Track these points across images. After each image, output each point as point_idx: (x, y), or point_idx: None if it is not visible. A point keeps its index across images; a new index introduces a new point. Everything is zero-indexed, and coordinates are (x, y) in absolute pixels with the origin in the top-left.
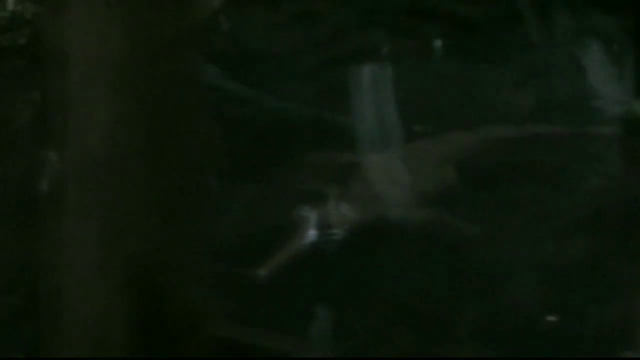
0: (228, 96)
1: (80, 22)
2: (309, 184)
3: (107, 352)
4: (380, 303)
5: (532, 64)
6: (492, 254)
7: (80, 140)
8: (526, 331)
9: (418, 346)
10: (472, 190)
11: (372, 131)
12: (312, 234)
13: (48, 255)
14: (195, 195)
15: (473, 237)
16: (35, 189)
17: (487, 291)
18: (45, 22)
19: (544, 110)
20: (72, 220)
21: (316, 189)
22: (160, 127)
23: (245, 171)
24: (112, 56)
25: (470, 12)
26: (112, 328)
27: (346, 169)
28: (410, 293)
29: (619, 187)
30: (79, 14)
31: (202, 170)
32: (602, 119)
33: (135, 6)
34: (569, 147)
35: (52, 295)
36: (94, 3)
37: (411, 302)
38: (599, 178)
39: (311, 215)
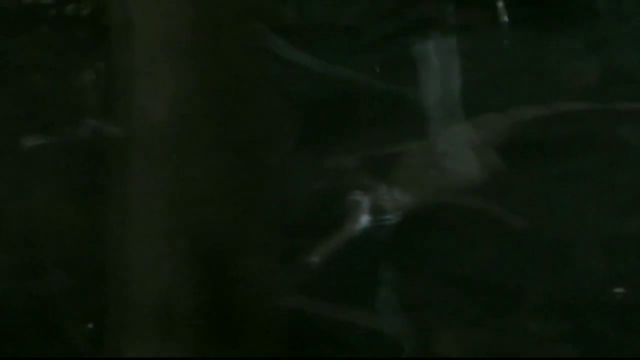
0: (294, 68)
1: None
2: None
3: (175, 323)
4: (445, 278)
5: (598, 33)
6: (556, 227)
7: (147, 113)
8: (592, 303)
9: (484, 318)
10: (531, 166)
11: (438, 102)
12: (364, 219)
13: (115, 228)
14: (261, 167)
15: (520, 228)
16: (101, 161)
17: (553, 264)
18: None
19: (610, 80)
20: (139, 193)
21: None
22: (226, 99)
23: (310, 143)
24: (177, 29)
25: None
26: (179, 299)
27: (395, 156)
28: (475, 268)
29: None
30: None
31: (267, 142)
32: None
33: None
34: (629, 120)
35: (120, 268)
36: None
37: (477, 276)
38: None
39: (363, 200)
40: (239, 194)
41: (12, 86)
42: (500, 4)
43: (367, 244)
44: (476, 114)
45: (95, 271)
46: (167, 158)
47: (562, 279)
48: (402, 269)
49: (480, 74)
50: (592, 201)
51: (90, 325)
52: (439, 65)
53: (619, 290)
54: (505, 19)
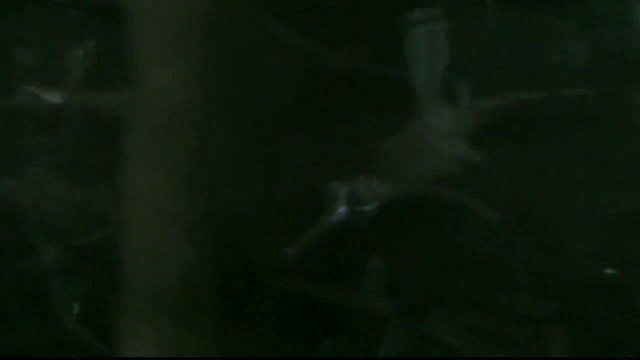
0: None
1: None
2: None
3: (194, 307)
4: (431, 261)
5: (591, 13)
6: (546, 208)
7: (151, 94)
8: (584, 283)
9: (475, 297)
10: (518, 149)
11: (427, 85)
12: (342, 210)
13: (129, 210)
14: (274, 149)
15: (495, 223)
16: (110, 143)
17: (543, 245)
18: None
19: (601, 62)
20: (155, 177)
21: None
22: (233, 81)
23: (303, 126)
24: (183, 10)
25: None
26: (199, 283)
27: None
28: (462, 250)
29: None
30: None
31: (274, 125)
32: None
33: None
34: (624, 100)
35: (133, 253)
36: None
37: (464, 258)
38: None
39: (340, 191)
40: (255, 176)
41: None
42: None
43: (347, 234)
44: (463, 98)
45: (91, 251)
46: (184, 140)
47: (554, 259)
48: (385, 255)
49: (468, 57)
50: (582, 182)
51: (82, 307)
52: (426, 48)
53: (611, 270)
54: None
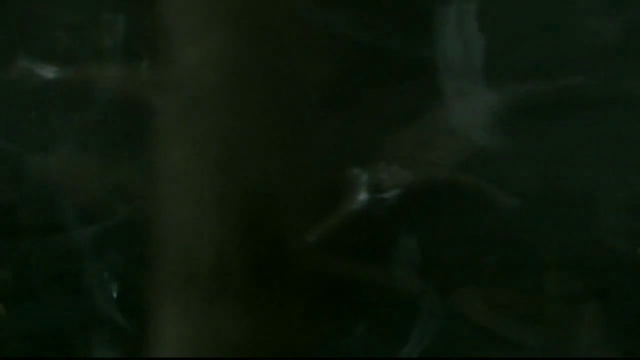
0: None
1: None
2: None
3: (224, 284)
4: (457, 240)
5: None
6: (575, 186)
7: (182, 71)
8: (613, 261)
9: (505, 275)
10: (545, 130)
11: (456, 65)
12: (362, 197)
13: (160, 187)
14: (298, 126)
15: (511, 207)
16: (141, 120)
17: (572, 223)
18: None
19: (632, 39)
20: (181, 153)
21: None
22: (263, 59)
23: (331, 106)
24: None
25: None
26: (230, 258)
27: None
28: (490, 228)
29: None
30: None
31: (303, 103)
32: None
33: None
34: None
35: (163, 228)
36: None
37: (492, 236)
38: None
39: (361, 177)
40: (287, 151)
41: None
42: None
43: (370, 218)
44: (494, 77)
45: (119, 228)
46: (215, 117)
47: (584, 237)
48: (413, 232)
49: (498, 35)
50: (613, 159)
51: (113, 285)
52: (455, 27)
53: None
54: None
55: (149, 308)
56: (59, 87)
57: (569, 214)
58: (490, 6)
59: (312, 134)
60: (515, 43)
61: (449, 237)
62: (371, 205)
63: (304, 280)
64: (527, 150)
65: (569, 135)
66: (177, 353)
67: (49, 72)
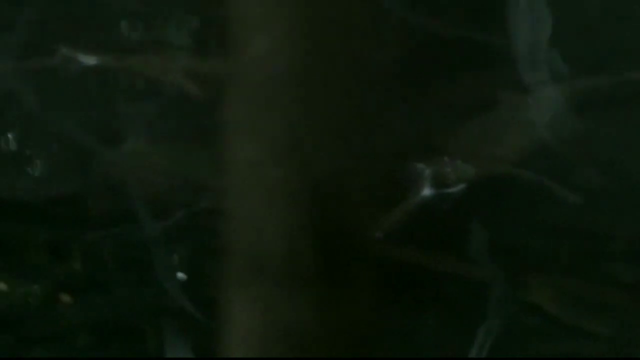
0: (386, 16)
1: None
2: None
3: (294, 273)
4: (529, 229)
5: None
6: None
7: (250, 62)
8: None
9: (575, 264)
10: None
11: (526, 53)
12: (427, 191)
13: (228, 177)
14: (367, 115)
15: (575, 204)
16: (211, 111)
17: None
18: None
19: None
20: (251, 143)
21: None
22: (331, 48)
23: (400, 94)
24: None
25: None
26: (297, 249)
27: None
28: (564, 215)
29: None
30: None
31: (372, 92)
32: None
33: None
34: None
35: (235, 220)
36: None
37: (563, 226)
38: None
39: (425, 172)
40: (354, 139)
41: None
42: None
43: (437, 209)
44: (563, 70)
45: (188, 220)
46: (283, 106)
47: None
48: (485, 222)
49: (571, 23)
50: None
51: (183, 275)
52: (528, 13)
53: None
54: None
55: (219, 298)
56: (129, 78)
57: (636, 204)
58: None
59: (381, 124)
60: (584, 34)
61: (518, 228)
62: (436, 199)
63: (373, 270)
64: (592, 142)
65: (632, 127)
66: (246, 342)
67: (116, 62)
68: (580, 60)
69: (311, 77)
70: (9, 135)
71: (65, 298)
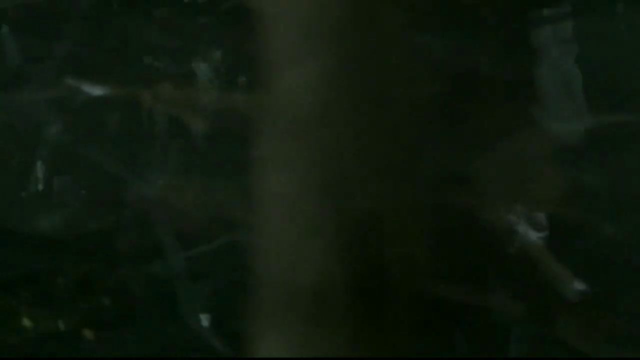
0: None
1: None
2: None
3: (326, 309)
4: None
5: None
6: None
7: (282, 96)
8: None
9: (604, 299)
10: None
11: (556, 87)
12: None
13: (260, 212)
14: (399, 149)
15: (612, 236)
16: (243, 145)
17: None
18: None
19: None
20: (289, 176)
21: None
22: (362, 81)
23: (432, 126)
24: (312, 10)
25: None
26: (333, 283)
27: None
28: (589, 249)
29: None
30: None
31: (405, 124)
32: None
33: None
34: None
35: (266, 253)
36: None
37: (592, 256)
38: None
39: (519, 225)
40: (389, 175)
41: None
42: None
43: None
44: (588, 104)
45: (218, 254)
46: (317, 140)
47: None
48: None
49: (597, 60)
50: None
51: (213, 311)
52: (557, 50)
53: None
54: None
55: (249, 334)
56: (162, 112)
57: None
58: (593, 27)
59: (414, 157)
60: (610, 68)
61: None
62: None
63: (405, 303)
64: (620, 178)
65: None
66: None
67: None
68: (606, 95)
69: (344, 110)
70: (40, 169)
71: (89, 333)
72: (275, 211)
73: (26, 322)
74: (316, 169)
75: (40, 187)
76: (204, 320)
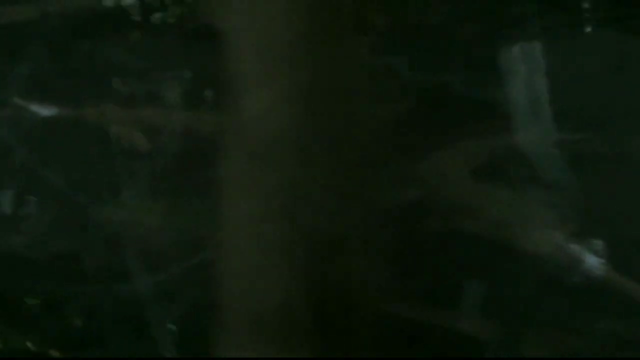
0: (381, 69)
1: (243, 3)
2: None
3: (290, 329)
4: (533, 281)
5: None
6: None
7: (248, 118)
8: None
9: (568, 318)
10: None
11: (524, 108)
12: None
13: (223, 234)
14: (371, 171)
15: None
16: (208, 167)
17: None
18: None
19: None
20: (252, 199)
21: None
22: (328, 104)
23: (395, 147)
24: (277, 33)
25: None
26: (295, 306)
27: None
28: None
29: None
30: None
31: (368, 147)
32: None
33: None
34: None
35: (228, 275)
36: None
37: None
38: None
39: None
40: (352, 198)
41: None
42: (585, 4)
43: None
44: (563, 122)
45: (184, 275)
46: (282, 164)
47: None
48: (481, 276)
49: (565, 79)
50: None
51: (177, 329)
52: (524, 69)
53: None
54: (591, 20)
55: (215, 353)
56: (124, 133)
57: (634, 259)
58: (561, 48)
59: (376, 179)
60: (580, 87)
61: (519, 281)
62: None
63: (370, 324)
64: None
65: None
66: None
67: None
68: (576, 114)
69: (309, 134)
70: (6, 191)
71: (55, 354)
72: (239, 231)
73: None
74: (280, 190)
75: (7, 209)
76: (172, 340)
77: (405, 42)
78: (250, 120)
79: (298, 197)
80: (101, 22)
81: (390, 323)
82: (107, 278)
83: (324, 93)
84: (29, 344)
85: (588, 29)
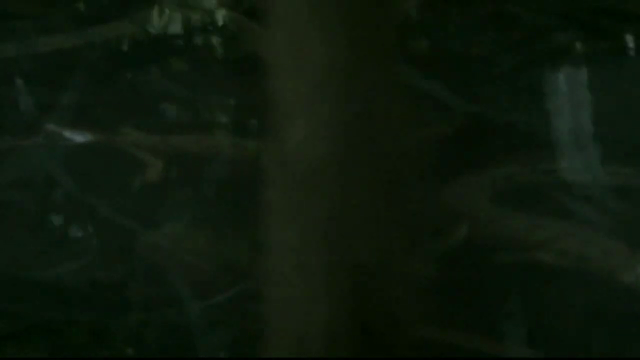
0: (423, 98)
1: (283, 29)
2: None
3: (332, 356)
4: (575, 307)
5: None
6: None
7: (290, 146)
8: None
9: (615, 348)
10: None
11: (568, 135)
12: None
13: (267, 261)
14: (407, 200)
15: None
16: (252, 194)
17: None
18: (243, 28)
19: None
20: (290, 227)
21: None
22: (371, 132)
23: (436, 176)
24: (320, 61)
25: None
26: (338, 334)
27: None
28: (605, 297)
29: None
30: (282, 22)
31: (413, 175)
32: None
33: (336, 14)
34: None
35: (274, 305)
36: (297, 13)
37: (606, 305)
38: None
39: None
40: (393, 227)
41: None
42: (629, 32)
43: (485, 281)
44: (608, 149)
45: (232, 304)
46: (324, 193)
47: None
48: (524, 303)
49: (610, 107)
50: None
51: (223, 357)
52: (568, 97)
53: None
54: (634, 47)
55: None
56: (173, 162)
57: None
58: (605, 77)
59: (420, 206)
60: (625, 119)
61: (561, 307)
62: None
63: (414, 352)
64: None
65: None
66: None
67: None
68: (621, 145)
69: (351, 162)
70: (53, 219)
71: None
72: (283, 260)
73: None
74: (323, 218)
75: (55, 237)
76: None
77: (449, 69)
78: (293, 148)
79: (340, 224)
80: (146, 50)
81: (434, 350)
82: (153, 306)
83: (366, 120)
84: None
85: (632, 56)
